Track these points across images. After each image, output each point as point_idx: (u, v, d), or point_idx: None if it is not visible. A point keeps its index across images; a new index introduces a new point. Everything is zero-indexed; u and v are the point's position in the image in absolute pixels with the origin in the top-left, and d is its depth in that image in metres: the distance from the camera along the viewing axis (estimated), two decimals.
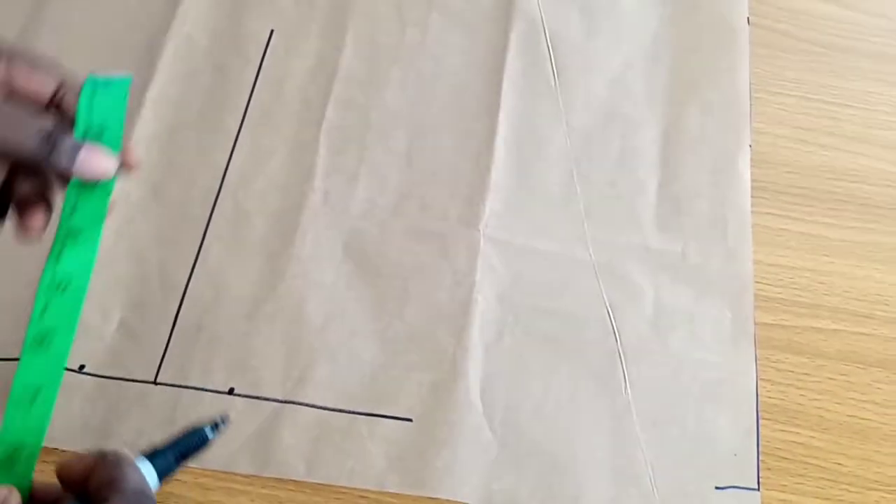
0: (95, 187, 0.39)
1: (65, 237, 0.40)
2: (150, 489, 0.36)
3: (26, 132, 0.37)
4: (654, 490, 0.49)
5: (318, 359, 0.51)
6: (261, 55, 0.61)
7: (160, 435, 0.48)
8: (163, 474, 0.38)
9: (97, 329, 0.51)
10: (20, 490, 0.36)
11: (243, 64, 0.61)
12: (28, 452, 0.38)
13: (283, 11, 0.63)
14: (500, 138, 0.59)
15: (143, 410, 0.50)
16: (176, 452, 0.39)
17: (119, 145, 0.39)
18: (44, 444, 0.47)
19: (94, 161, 0.38)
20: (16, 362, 0.49)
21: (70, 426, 0.49)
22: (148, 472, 0.37)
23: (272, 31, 0.62)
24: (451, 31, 0.64)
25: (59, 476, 0.37)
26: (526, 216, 0.57)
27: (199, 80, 0.60)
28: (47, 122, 0.37)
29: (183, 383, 0.50)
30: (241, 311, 0.52)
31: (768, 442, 0.50)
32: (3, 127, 0.37)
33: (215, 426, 0.40)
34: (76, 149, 0.38)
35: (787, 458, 0.50)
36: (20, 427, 0.38)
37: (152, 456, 0.38)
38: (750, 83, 0.62)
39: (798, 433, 0.51)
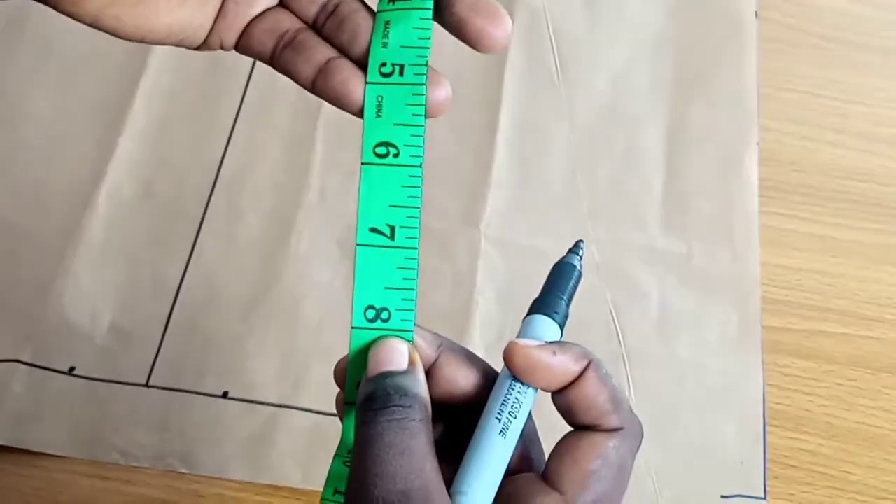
0: None
1: None
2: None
3: None
4: (658, 498, 0.48)
5: (314, 361, 0.50)
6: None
7: (151, 439, 0.47)
8: (563, 325, 0.33)
9: (87, 330, 0.50)
10: None
11: (237, 55, 0.59)
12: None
13: None
14: (501, 134, 0.58)
15: (135, 413, 0.48)
16: (565, 297, 0.34)
17: None
18: (31, 447, 0.47)
19: None
20: (9, 364, 0.49)
21: (59, 429, 0.47)
22: (552, 329, 0.32)
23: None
24: None
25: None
26: (528, 215, 0.56)
27: (193, 70, 0.59)
28: None
29: (175, 386, 0.49)
30: (236, 312, 0.51)
31: (775, 449, 0.49)
32: None
33: (576, 253, 0.35)
34: None
35: (794, 466, 0.49)
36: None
37: (549, 310, 0.33)
38: (757, 79, 0.61)
39: (806, 440, 0.50)
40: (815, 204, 0.57)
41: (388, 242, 0.31)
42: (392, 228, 0.32)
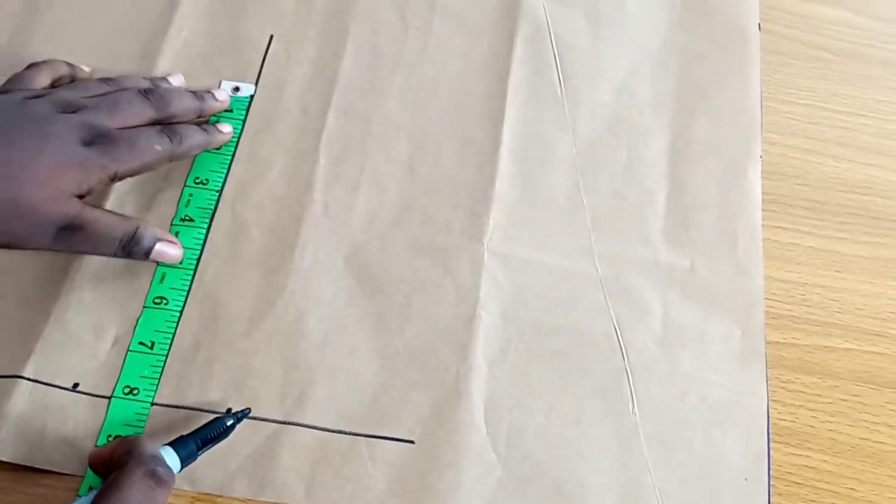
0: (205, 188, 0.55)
1: (180, 223, 0.54)
2: (162, 457, 0.43)
3: (108, 247, 0.49)
4: None
5: (318, 377, 0.50)
6: (260, 61, 0.60)
7: None
8: (185, 460, 0.44)
9: (91, 346, 0.50)
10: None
11: (242, 70, 0.59)
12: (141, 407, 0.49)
13: (283, 15, 0.62)
14: (504, 148, 0.58)
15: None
16: (197, 440, 0.45)
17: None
18: (35, 465, 0.47)
19: (166, 254, 0.51)
20: (12, 380, 0.49)
21: (63, 445, 0.47)
22: (171, 457, 0.43)
23: (272, 37, 0.61)
24: (454, 36, 0.62)
25: (91, 464, 0.45)
26: (531, 229, 0.56)
27: (197, 87, 0.59)
28: (129, 227, 0.49)
29: (179, 403, 0.49)
30: (239, 329, 0.51)
31: (779, 466, 0.49)
32: (92, 241, 0.48)
33: (236, 417, 0.47)
34: (151, 244, 0.50)
35: (798, 483, 0.49)
36: (137, 373, 0.50)
37: (175, 443, 0.45)
38: (760, 91, 0.61)
39: (809, 457, 0.50)
40: (817, 218, 0.57)
41: (149, 351, 0.50)
42: (153, 343, 0.50)
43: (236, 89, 0.59)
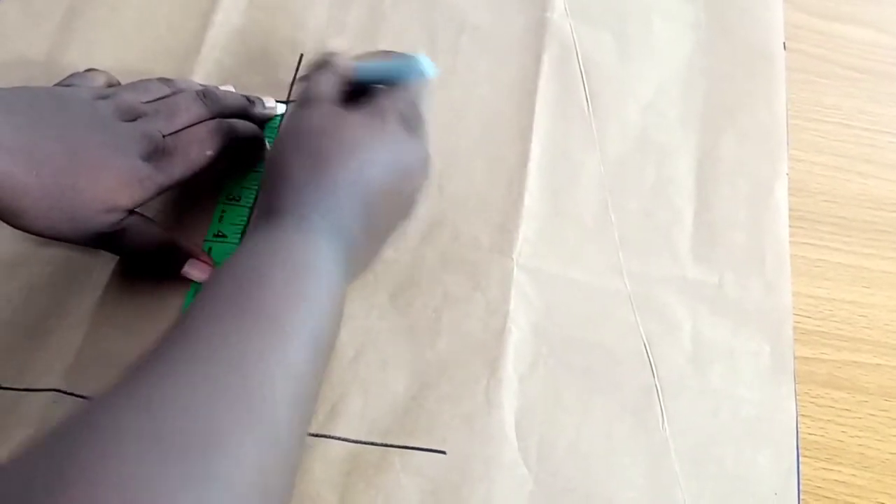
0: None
1: (213, 239, 0.55)
2: None
3: (143, 256, 0.51)
4: None
5: (350, 391, 0.51)
6: (290, 80, 0.61)
7: None
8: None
9: (126, 359, 0.51)
10: None
11: (273, 90, 0.60)
12: None
13: (314, 36, 0.63)
14: (532, 165, 0.58)
15: None
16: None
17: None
18: None
19: (196, 274, 0.52)
20: (49, 393, 0.49)
21: None
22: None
23: (302, 56, 0.62)
24: (482, 56, 0.63)
25: None
26: (560, 244, 0.56)
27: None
28: (165, 241, 0.52)
29: None
30: None
31: (809, 480, 0.49)
32: (128, 249, 0.50)
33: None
34: (184, 261, 0.52)
35: (828, 498, 0.49)
36: None
37: None
38: (787, 110, 0.61)
39: (839, 471, 0.50)
40: (845, 234, 0.57)
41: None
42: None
43: None
